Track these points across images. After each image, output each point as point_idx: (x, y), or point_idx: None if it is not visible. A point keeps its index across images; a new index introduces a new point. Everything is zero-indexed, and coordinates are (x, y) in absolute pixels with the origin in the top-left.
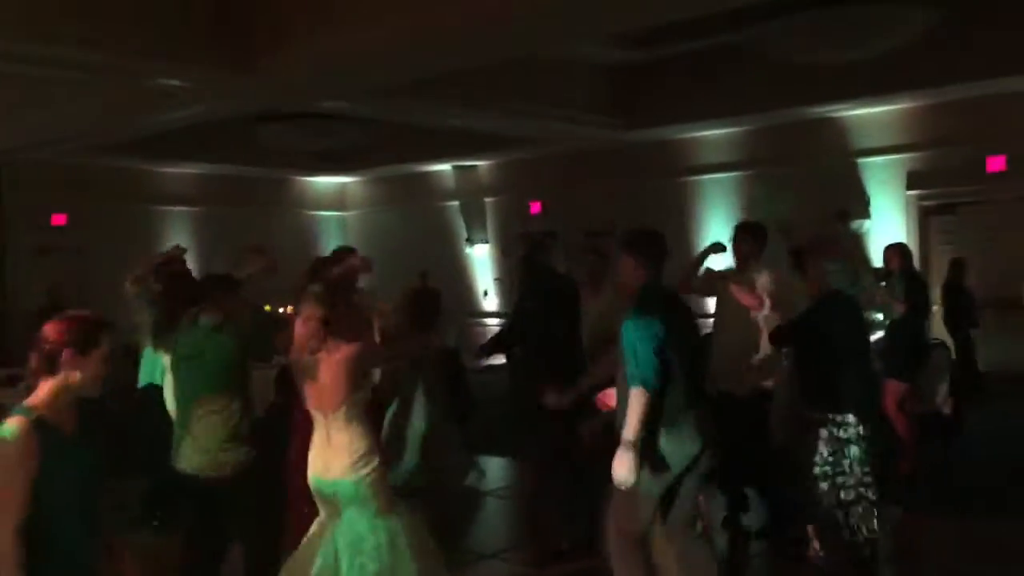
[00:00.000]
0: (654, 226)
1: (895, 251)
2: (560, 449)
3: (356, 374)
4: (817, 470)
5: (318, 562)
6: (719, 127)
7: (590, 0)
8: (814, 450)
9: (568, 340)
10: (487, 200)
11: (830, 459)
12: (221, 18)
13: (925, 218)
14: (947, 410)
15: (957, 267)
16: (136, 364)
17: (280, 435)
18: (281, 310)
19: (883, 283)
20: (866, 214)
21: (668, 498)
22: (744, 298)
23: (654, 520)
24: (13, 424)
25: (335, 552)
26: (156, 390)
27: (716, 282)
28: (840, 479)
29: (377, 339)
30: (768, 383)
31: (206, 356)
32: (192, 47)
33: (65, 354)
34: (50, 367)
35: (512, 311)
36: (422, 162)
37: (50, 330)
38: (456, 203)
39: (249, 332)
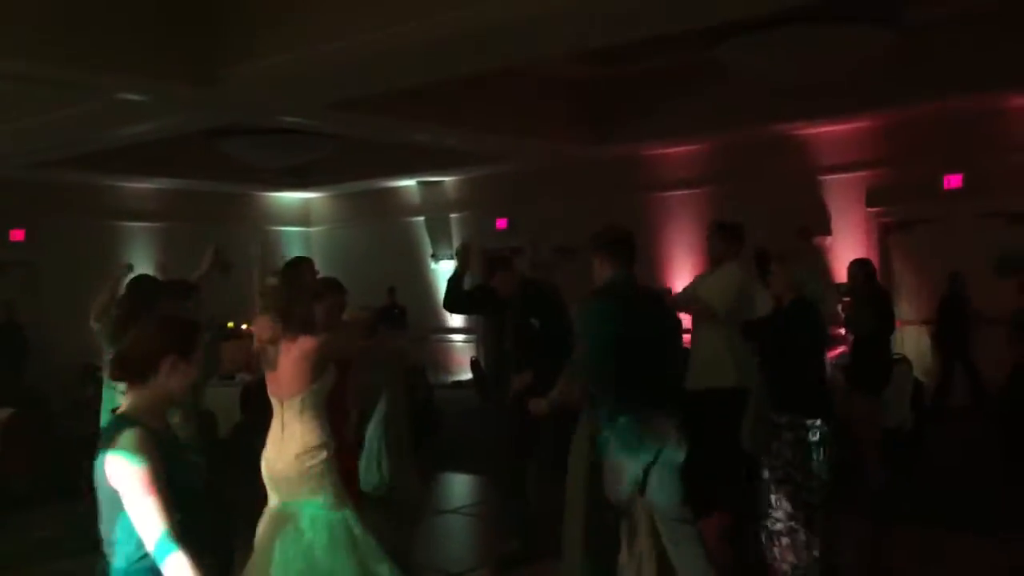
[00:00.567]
0: None
1: (859, 267)
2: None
3: (314, 365)
4: (779, 473)
5: (275, 554)
6: (684, 144)
7: (558, 17)
8: (771, 454)
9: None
10: (453, 216)
11: (793, 463)
12: (182, 32)
13: (885, 234)
14: (909, 425)
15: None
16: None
17: (244, 455)
18: (244, 327)
19: (846, 298)
20: (827, 230)
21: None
22: (691, 311)
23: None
24: (131, 439)
25: (273, 539)
26: None
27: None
28: (806, 483)
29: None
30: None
31: None
32: (153, 61)
33: (167, 359)
34: (148, 373)
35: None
36: (387, 178)
37: (149, 335)
38: (421, 219)
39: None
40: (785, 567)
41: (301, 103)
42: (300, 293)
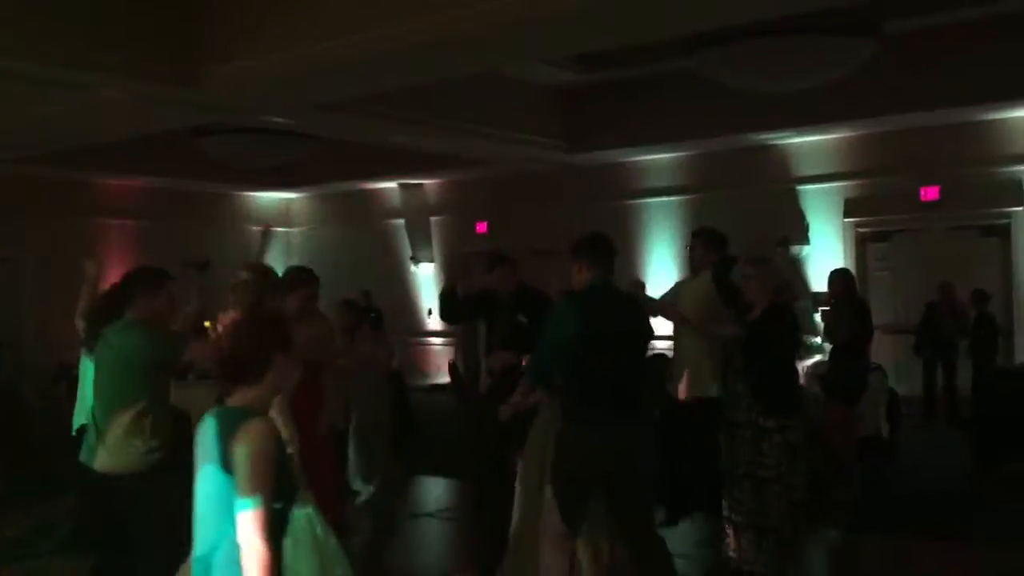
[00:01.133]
0: None
1: (840, 276)
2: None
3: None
4: (771, 473)
5: None
6: (663, 151)
7: (538, 24)
8: (766, 456)
9: None
10: (433, 219)
11: (782, 465)
12: (165, 31)
13: (862, 245)
14: (884, 433)
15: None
16: (70, 382)
17: None
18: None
19: (825, 308)
20: (805, 240)
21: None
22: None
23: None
24: (260, 429)
25: None
26: None
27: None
28: (794, 481)
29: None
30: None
31: (114, 352)
32: (135, 58)
33: (277, 357)
34: (263, 371)
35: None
36: (368, 179)
37: (255, 335)
38: (401, 221)
39: (165, 336)
40: (759, 567)
41: (283, 103)
42: (270, 288)
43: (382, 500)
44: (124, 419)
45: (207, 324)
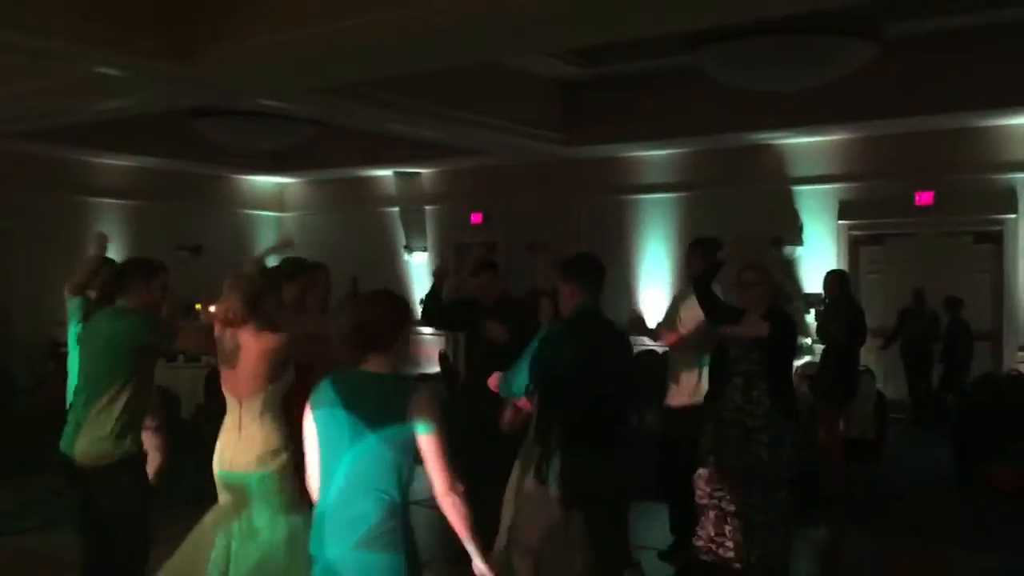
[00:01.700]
0: (594, 242)
1: (834, 278)
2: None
3: (276, 364)
4: (785, 475)
5: (218, 545)
6: (660, 148)
7: (541, 13)
8: (777, 458)
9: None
10: (427, 208)
11: (792, 466)
12: (163, 7)
13: (855, 247)
14: (871, 435)
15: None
16: (59, 360)
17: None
18: (212, 308)
19: (818, 308)
20: (799, 241)
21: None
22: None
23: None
24: (430, 393)
25: (229, 538)
26: None
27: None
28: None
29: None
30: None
31: (103, 338)
32: (132, 36)
33: (404, 329)
34: (394, 341)
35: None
36: (363, 166)
37: (389, 310)
38: (396, 209)
39: (158, 323)
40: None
41: (280, 86)
42: (272, 284)
43: None
44: (104, 407)
45: (197, 307)
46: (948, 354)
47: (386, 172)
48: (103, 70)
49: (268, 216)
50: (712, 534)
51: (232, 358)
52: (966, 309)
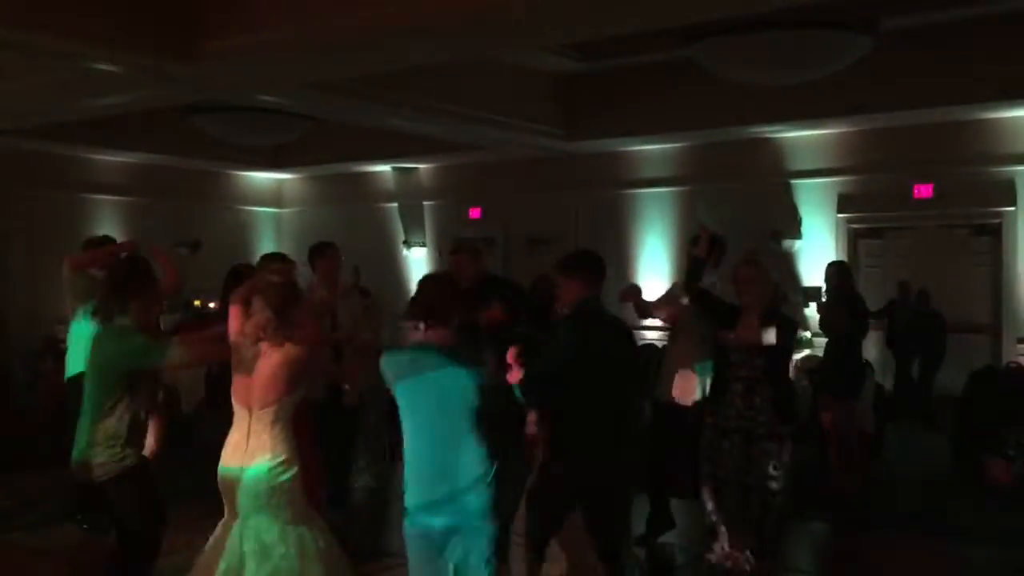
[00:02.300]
0: (592, 237)
1: (835, 270)
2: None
3: (295, 376)
4: (783, 484)
5: (221, 566)
6: (659, 142)
7: (537, 10)
8: (777, 466)
9: None
10: (426, 203)
11: (792, 471)
12: (162, 5)
13: (854, 241)
14: (870, 429)
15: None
16: (57, 357)
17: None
18: (212, 305)
19: (818, 301)
20: (797, 234)
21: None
22: (660, 313)
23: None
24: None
25: (240, 555)
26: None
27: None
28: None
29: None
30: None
31: (99, 358)
32: (130, 33)
33: (457, 307)
34: (452, 318)
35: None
36: (362, 162)
37: (447, 290)
38: (395, 205)
39: (152, 348)
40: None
41: (279, 82)
42: (298, 293)
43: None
44: (103, 423)
45: (196, 303)
46: (923, 346)
47: (384, 167)
48: (100, 67)
49: (267, 212)
50: (727, 548)
51: (249, 366)
52: (966, 302)
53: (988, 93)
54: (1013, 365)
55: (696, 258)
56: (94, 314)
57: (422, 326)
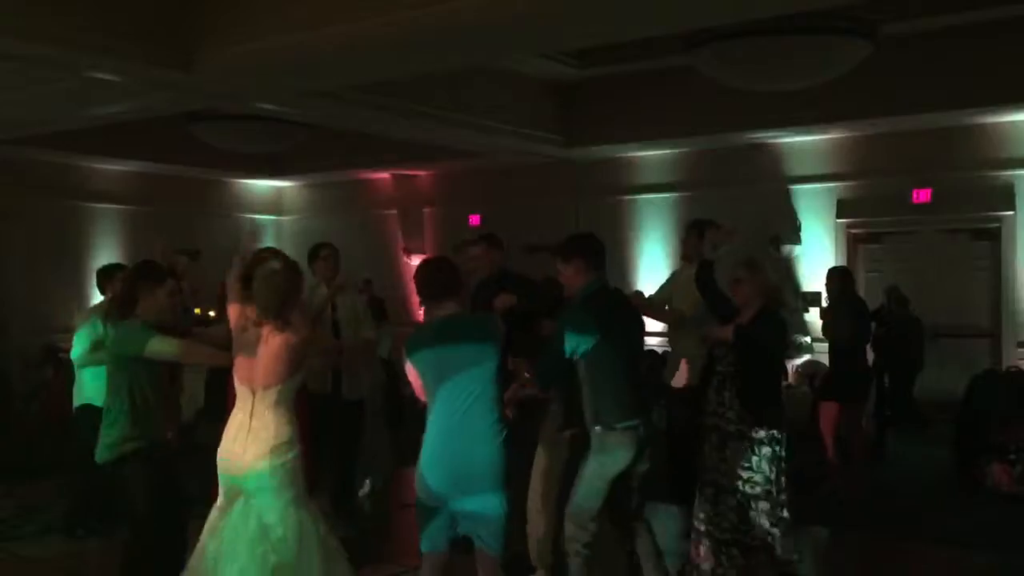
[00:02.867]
0: None
1: (836, 275)
2: None
3: (295, 360)
4: (758, 490)
5: (211, 547)
6: (658, 148)
7: (535, 18)
8: (752, 469)
9: None
10: (426, 210)
11: (772, 477)
12: (161, 11)
13: (853, 246)
14: (872, 434)
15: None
16: (57, 365)
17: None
18: (211, 313)
19: (820, 307)
20: (797, 240)
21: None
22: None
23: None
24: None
25: (235, 545)
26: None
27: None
28: (781, 497)
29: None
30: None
31: (111, 347)
32: (128, 41)
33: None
34: (459, 289)
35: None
36: (361, 169)
37: (453, 267)
38: (394, 212)
39: (151, 335)
40: None
41: (277, 90)
42: (299, 283)
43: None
44: (112, 410)
45: (196, 311)
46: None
47: (384, 174)
48: (99, 76)
49: (266, 220)
50: (702, 553)
51: (252, 348)
52: (966, 306)
53: (987, 97)
54: (1013, 369)
55: (705, 261)
56: (107, 315)
57: (431, 305)
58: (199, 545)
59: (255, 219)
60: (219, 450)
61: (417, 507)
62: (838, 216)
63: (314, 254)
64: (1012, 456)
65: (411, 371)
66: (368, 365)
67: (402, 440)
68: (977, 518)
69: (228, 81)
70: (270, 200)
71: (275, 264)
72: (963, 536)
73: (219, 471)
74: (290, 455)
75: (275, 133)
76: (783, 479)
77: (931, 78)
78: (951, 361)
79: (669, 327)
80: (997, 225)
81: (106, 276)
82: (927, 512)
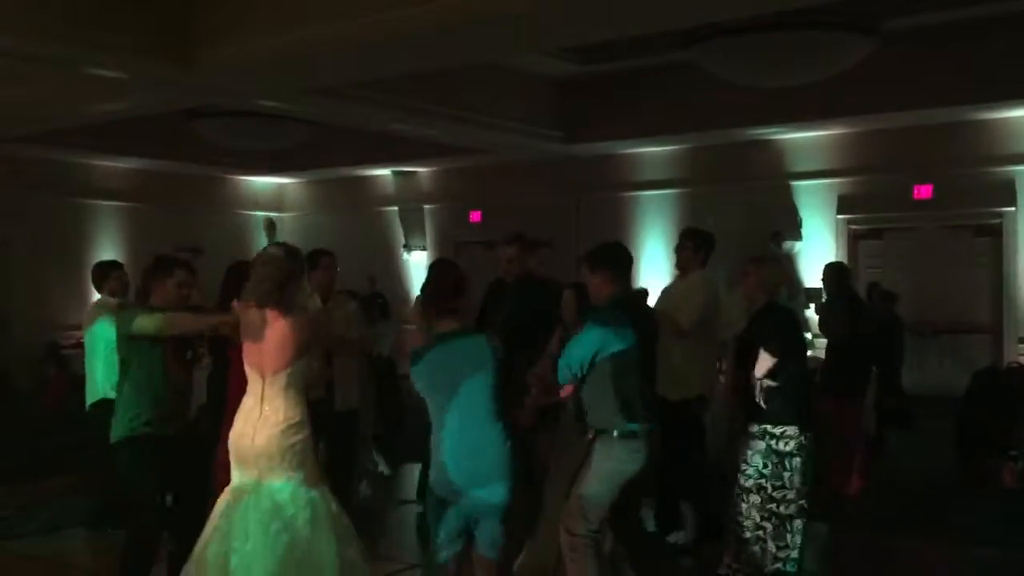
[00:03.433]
0: (593, 239)
1: (832, 271)
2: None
3: (302, 343)
4: (750, 483)
5: (242, 534)
6: (659, 144)
7: (537, 14)
8: (746, 463)
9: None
10: (426, 207)
11: (765, 472)
12: (162, 9)
13: (854, 242)
14: (873, 431)
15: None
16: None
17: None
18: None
19: (818, 303)
20: (798, 236)
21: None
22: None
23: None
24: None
25: (246, 525)
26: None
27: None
28: (778, 493)
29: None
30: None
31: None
32: (130, 39)
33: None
34: (459, 306)
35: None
36: (362, 166)
37: (459, 282)
38: (395, 208)
39: (138, 312)
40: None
41: (278, 87)
42: (300, 269)
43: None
44: (119, 392)
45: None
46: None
47: (385, 171)
48: (100, 73)
49: (268, 217)
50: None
51: (258, 332)
52: (967, 302)
53: (988, 93)
54: (1014, 365)
55: None
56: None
57: (433, 314)
58: (210, 526)
59: (271, 216)
60: (231, 433)
61: (430, 503)
62: (839, 212)
63: (313, 262)
64: (1014, 452)
65: (414, 382)
66: (358, 375)
67: (402, 437)
68: (979, 514)
69: (229, 78)
70: (271, 197)
71: (273, 251)
72: (964, 531)
73: (231, 454)
74: (300, 436)
75: (276, 130)
76: (789, 476)
77: (932, 74)
78: (952, 357)
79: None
80: (998, 221)
81: (101, 272)
82: (928, 508)
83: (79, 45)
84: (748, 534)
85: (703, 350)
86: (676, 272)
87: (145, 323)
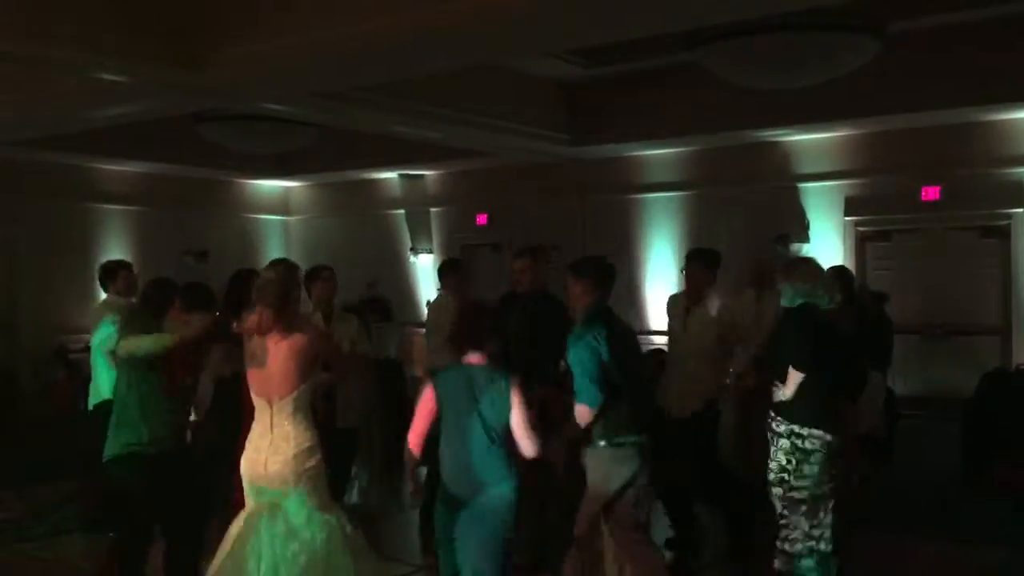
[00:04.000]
0: (599, 242)
1: (836, 275)
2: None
3: (306, 363)
4: (772, 476)
5: (256, 555)
6: (665, 146)
7: (542, 16)
8: (770, 458)
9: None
10: (433, 210)
11: (788, 467)
12: (169, 14)
13: (862, 244)
14: (881, 433)
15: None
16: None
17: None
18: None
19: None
20: (805, 238)
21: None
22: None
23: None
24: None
25: (260, 548)
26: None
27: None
28: (798, 482)
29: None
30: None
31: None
32: (137, 43)
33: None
34: (484, 342)
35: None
36: (368, 169)
37: (481, 318)
38: (401, 212)
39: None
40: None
41: (285, 91)
42: (295, 288)
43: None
44: (120, 410)
45: None
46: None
47: (391, 174)
48: (107, 77)
49: (274, 220)
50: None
51: (261, 360)
52: (976, 304)
53: (996, 94)
54: (1023, 367)
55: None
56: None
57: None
58: (225, 548)
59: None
60: (243, 458)
61: (438, 509)
62: (846, 214)
63: (314, 275)
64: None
65: (430, 392)
66: (360, 389)
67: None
68: (986, 516)
69: (236, 82)
70: (278, 200)
71: (268, 274)
72: (972, 534)
73: (244, 480)
74: (312, 462)
75: (282, 133)
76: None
77: (940, 75)
78: (960, 359)
79: (670, 346)
80: (1007, 222)
81: (108, 272)
82: (935, 510)
83: (85, 49)
84: (799, 546)
85: (721, 362)
86: (684, 296)
87: (151, 345)
